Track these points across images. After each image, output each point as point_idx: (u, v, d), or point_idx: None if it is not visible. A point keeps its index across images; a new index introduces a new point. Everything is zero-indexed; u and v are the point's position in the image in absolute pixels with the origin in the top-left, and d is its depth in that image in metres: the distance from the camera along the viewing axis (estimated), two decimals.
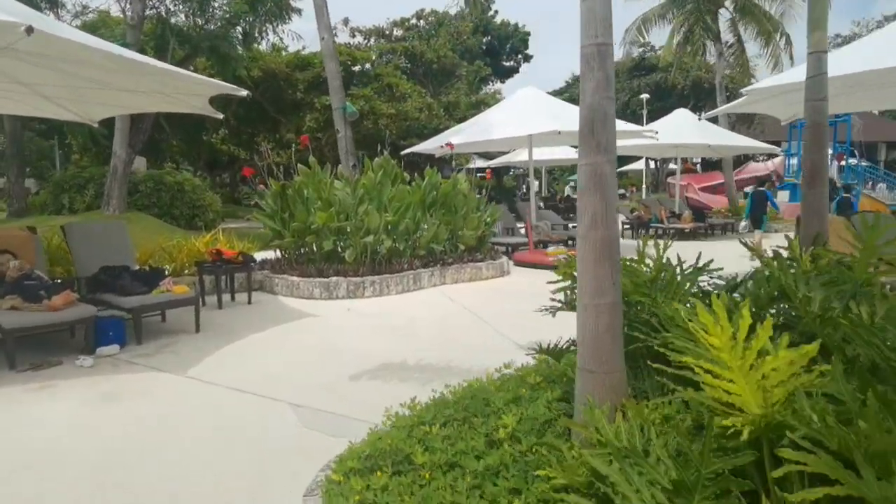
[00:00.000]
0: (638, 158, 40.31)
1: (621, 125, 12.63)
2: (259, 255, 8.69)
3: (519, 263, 10.45)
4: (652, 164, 37.47)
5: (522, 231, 13.20)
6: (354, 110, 10.63)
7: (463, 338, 5.79)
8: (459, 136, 10.92)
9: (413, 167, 10.65)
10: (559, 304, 3.95)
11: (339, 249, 8.40)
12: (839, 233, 6.76)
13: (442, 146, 10.88)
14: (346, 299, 7.65)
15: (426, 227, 8.87)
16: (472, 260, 9.14)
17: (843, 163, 26.17)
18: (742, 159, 36.65)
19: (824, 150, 4.34)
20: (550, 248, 10.90)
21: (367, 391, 4.31)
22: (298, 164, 8.45)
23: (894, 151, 36.36)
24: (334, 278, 7.73)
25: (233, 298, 7.57)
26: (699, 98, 35.26)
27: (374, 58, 24.91)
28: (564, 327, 3.54)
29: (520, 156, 22.97)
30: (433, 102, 22.21)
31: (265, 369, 4.83)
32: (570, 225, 14.14)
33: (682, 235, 15.61)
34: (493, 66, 44.46)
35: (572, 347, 3.30)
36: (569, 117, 11.61)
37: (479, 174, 14.20)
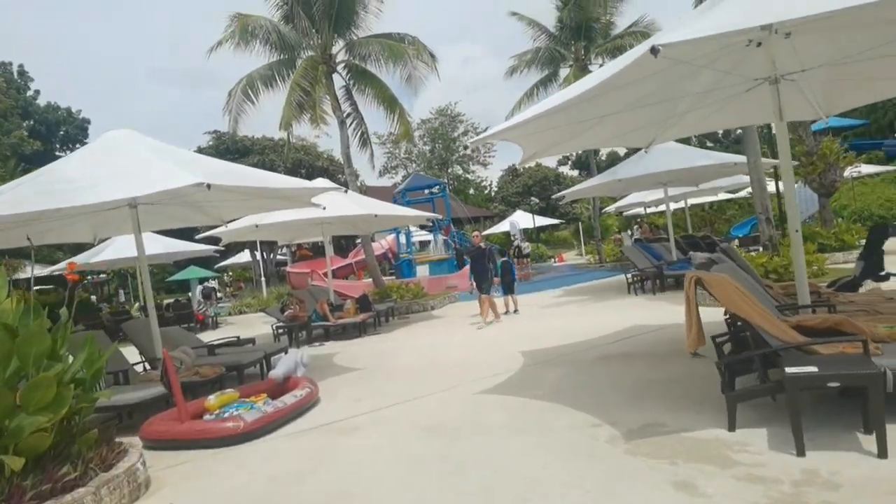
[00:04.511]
0: (242, 249, 36.33)
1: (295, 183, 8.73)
2: None
3: (159, 444, 5.24)
4: (258, 255, 33.75)
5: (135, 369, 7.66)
6: None
7: None
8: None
9: None
10: None
11: None
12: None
13: None
14: None
15: None
16: (57, 491, 3.63)
17: (447, 236, 27.54)
18: (345, 242, 36.38)
19: None
20: (212, 398, 5.94)
21: None
22: None
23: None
24: None
25: None
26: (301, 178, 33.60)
27: None
28: None
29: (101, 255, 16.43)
30: None
31: None
32: (214, 344, 9.11)
33: (352, 331, 12.23)
34: (44, 158, 34.94)
35: None
36: (210, 168, 7.08)
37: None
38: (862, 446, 3.47)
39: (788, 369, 3.53)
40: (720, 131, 48.12)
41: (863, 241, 14.98)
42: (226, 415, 5.57)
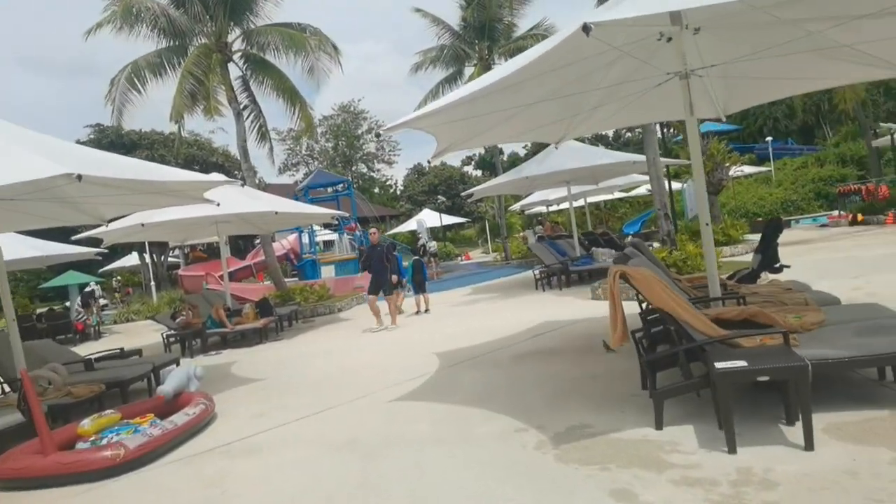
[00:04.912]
0: (129, 252, 33.65)
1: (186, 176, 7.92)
2: None
3: (17, 484, 4.46)
4: (147, 257, 31.40)
5: None
6: None
7: None
8: None
9: None
10: None
11: None
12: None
13: None
14: None
15: None
16: None
17: (351, 234, 26.89)
18: (243, 242, 34.63)
19: None
20: (87, 422, 5.16)
21: None
22: None
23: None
24: None
25: None
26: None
27: None
28: None
29: None
30: None
31: None
32: (94, 357, 8.10)
33: (252, 338, 11.43)
34: None
35: None
36: (82, 158, 6.26)
37: None
38: (788, 439, 3.44)
39: (718, 364, 3.44)
40: (610, 134, 50.47)
41: (746, 237, 16.11)
42: (104, 441, 4.84)
